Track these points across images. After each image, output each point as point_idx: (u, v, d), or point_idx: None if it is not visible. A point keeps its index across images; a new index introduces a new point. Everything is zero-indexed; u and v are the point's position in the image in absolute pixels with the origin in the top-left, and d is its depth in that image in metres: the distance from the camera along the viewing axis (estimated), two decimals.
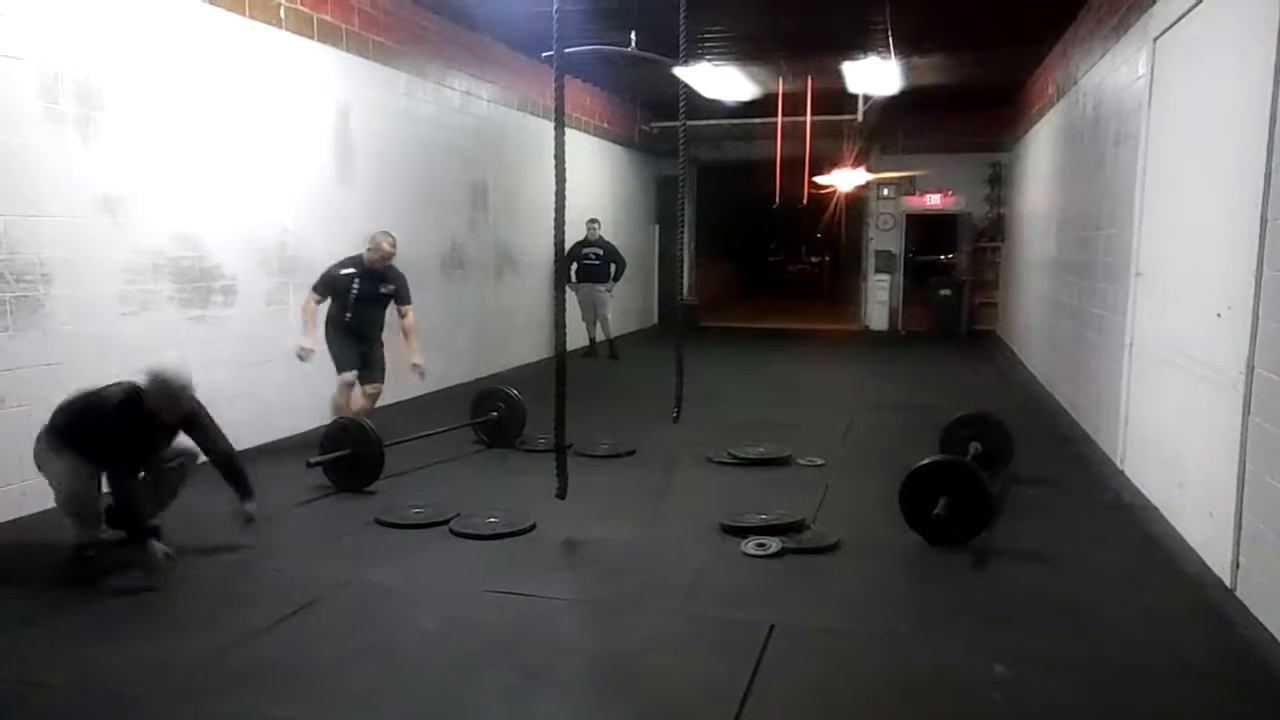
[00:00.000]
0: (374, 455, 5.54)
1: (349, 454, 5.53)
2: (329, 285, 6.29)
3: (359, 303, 6.33)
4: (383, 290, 6.42)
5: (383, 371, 6.60)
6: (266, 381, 6.63)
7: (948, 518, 4.44)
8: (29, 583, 4.11)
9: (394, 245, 6.37)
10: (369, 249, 6.33)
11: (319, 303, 6.29)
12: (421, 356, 6.46)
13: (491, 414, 6.71)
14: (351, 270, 6.31)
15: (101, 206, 5.31)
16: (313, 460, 5.48)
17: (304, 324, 6.24)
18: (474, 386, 9.09)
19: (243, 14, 6.32)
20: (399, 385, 8.15)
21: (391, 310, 6.56)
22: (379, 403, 6.71)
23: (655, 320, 16.02)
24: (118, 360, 5.39)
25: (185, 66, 5.88)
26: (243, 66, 6.36)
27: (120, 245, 5.43)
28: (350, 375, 6.37)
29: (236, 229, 6.37)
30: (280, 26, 6.68)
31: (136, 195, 5.54)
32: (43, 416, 4.89)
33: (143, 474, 4.42)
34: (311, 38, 7.02)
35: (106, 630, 3.60)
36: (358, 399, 6.45)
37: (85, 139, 5.20)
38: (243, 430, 6.38)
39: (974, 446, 5.57)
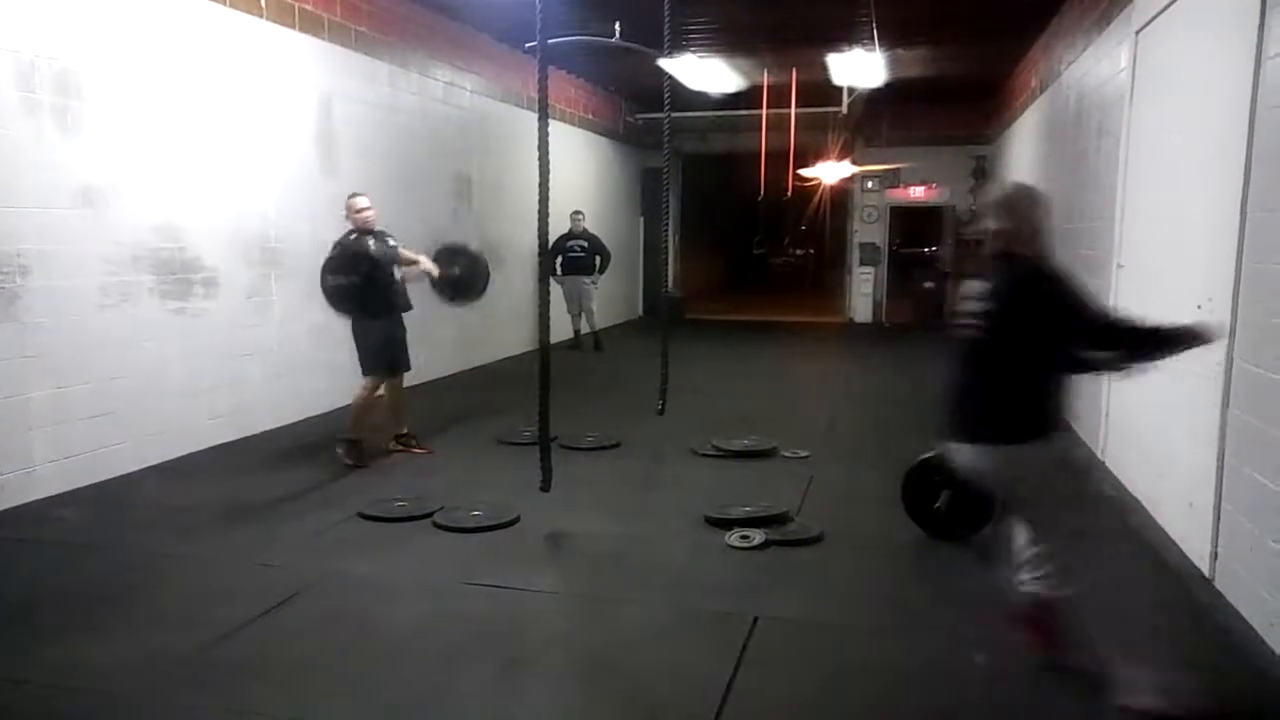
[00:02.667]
0: None
1: None
2: (349, 259, 5.88)
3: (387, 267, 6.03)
4: (390, 243, 6.15)
5: (409, 358, 6.30)
6: (247, 375, 6.58)
7: (949, 512, 4.43)
8: (10, 578, 4.07)
9: (354, 196, 6.06)
10: (357, 214, 5.97)
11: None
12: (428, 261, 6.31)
13: (454, 270, 6.58)
14: (356, 234, 5.96)
15: (80, 197, 5.25)
16: None
17: (411, 259, 6.13)
18: (457, 379, 9.10)
19: (223, 3, 6.25)
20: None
21: None
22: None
23: (640, 312, 16.01)
24: (96, 352, 5.36)
25: (165, 56, 5.81)
26: (224, 56, 6.30)
27: (99, 237, 5.38)
28: (380, 380, 6.08)
29: (218, 220, 6.31)
30: (261, 16, 6.62)
31: (116, 186, 5.48)
32: (19, 409, 4.89)
33: None
34: (293, 27, 6.96)
35: (89, 625, 3.57)
36: (382, 394, 6.17)
37: (63, 129, 5.14)
38: (223, 423, 6.36)
39: None
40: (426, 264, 6.29)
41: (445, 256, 6.58)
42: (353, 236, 5.94)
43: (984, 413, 3.06)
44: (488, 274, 6.63)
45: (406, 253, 6.24)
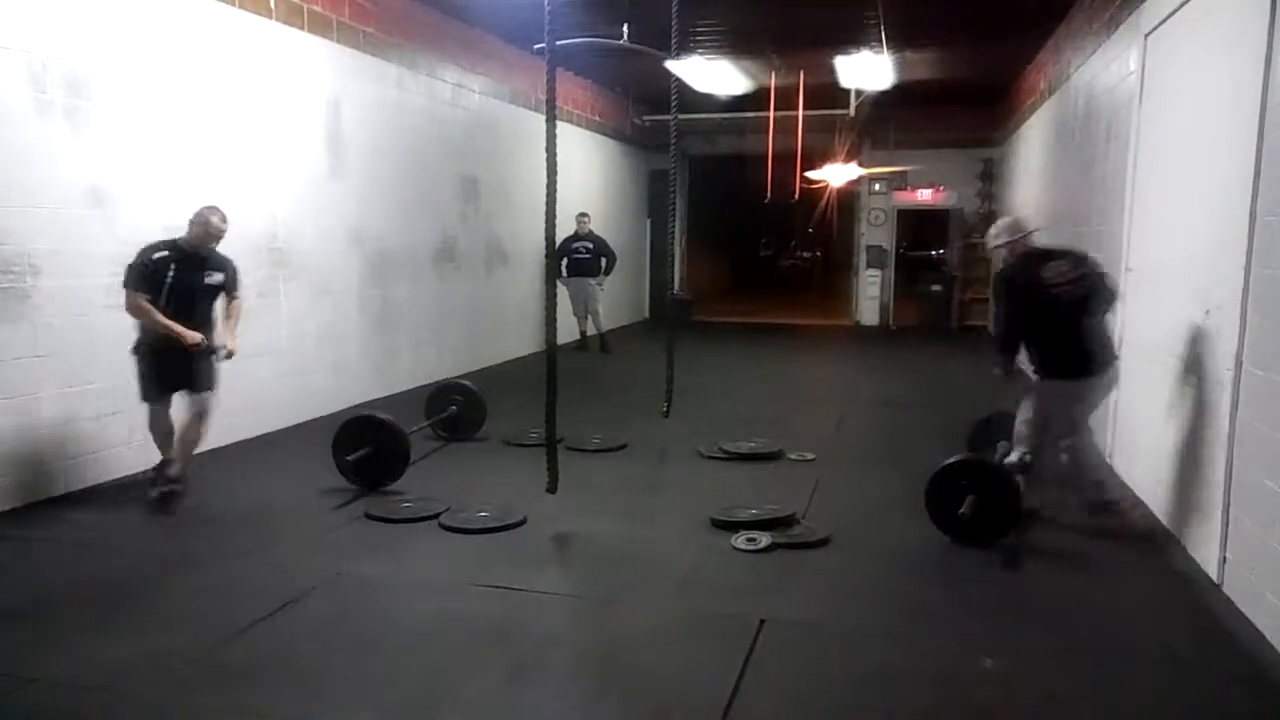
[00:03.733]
0: None
1: None
2: (140, 275, 4.90)
3: (177, 295, 4.95)
4: (209, 281, 5.12)
5: (212, 378, 5.18)
6: (256, 374, 6.59)
7: (974, 518, 4.40)
8: (19, 576, 4.09)
9: (224, 221, 5.10)
10: (192, 224, 5.02)
11: (145, 298, 4.89)
12: (234, 342, 5.27)
13: (450, 408, 6.65)
14: (165, 254, 4.95)
15: (90, 197, 5.28)
16: None
17: (155, 320, 4.88)
18: (464, 380, 9.09)
19: (233, 4, 6.28)
20: (395, 379, 8.15)
21: None
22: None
23: (646, 314, 16.02)
24: (106, 352, 5.37)
25: (175, 57, 5.84)
26: (233, 57, 6.32)
27: (108, 236, 5.39)
28: (159, 407, 5.11)
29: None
30: (271, 17, 6.64)
31: (125, 186, 5.50)
32: (29, 409, 4.90)
33: None
34: (302, 28, 6.98)
35: (97, 624, 3.59)
36: (181, 422, 5.17)
37: (74, 129, 5.16)
38: (233, 422, 6.37)
39: (1002, 446, 5.33)
40: (229, 345, 5.24)
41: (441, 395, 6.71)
42: (158, 254, 4.94)
43: (1103, 350, 4.72)
44: (484, 412, 6.75)
45: (234, 314, 5.30)
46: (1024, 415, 4.86)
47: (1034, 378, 4.87)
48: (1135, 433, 5.48)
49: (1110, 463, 5.94)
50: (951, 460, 4.60)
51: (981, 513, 4.40)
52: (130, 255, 5.42)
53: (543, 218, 4.33)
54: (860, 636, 3.57)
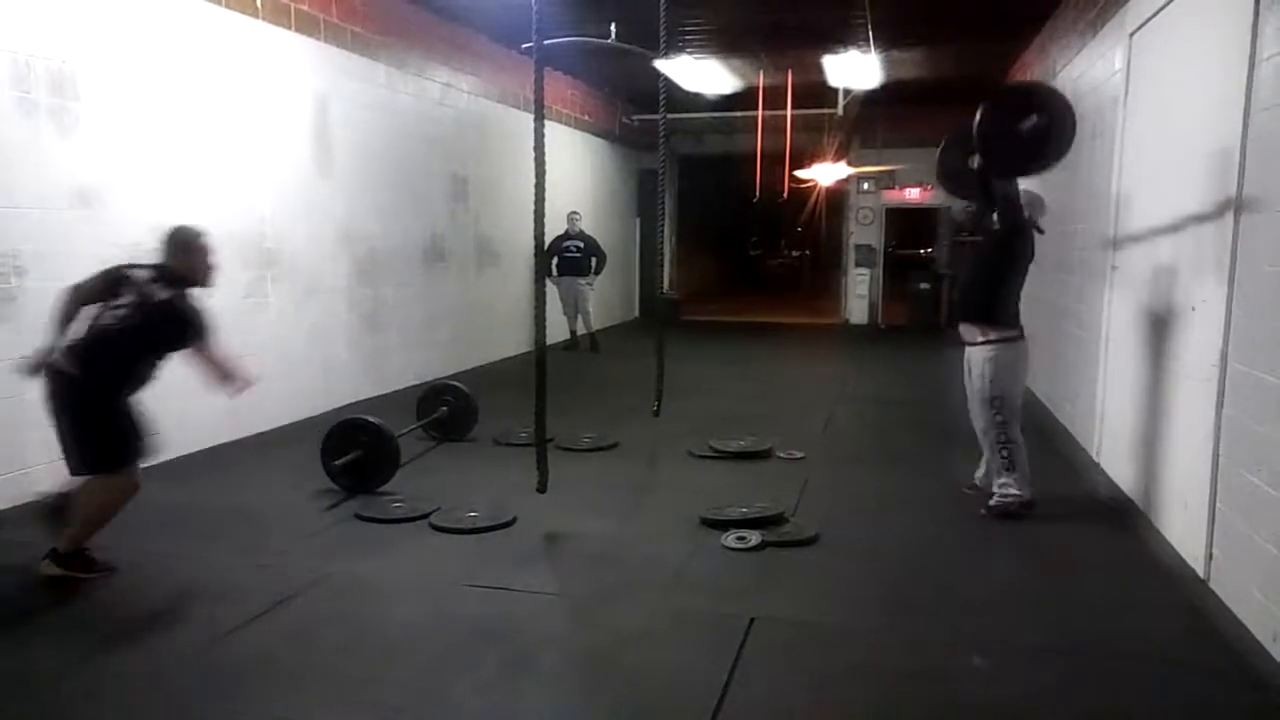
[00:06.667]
0: None
1: None
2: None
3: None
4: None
5: None
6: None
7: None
8: (6, 578, 4.06)
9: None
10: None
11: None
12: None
13: (442, 409, 6.62)
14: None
15: (76, 198, 5.25)
16: None
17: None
18: (454, 380, 9.08)
19: (219, 3, 6.25)
20: (385, 378, 8.13)
21: None
22: None
23: (636, 314, 16.02)
24: None
25: (161, 57, 5.81)
26: (219, 57, 6.29)
27: (96, 237, 5.36)
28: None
29: (214, 221, 6.23)
30: (257, 16, 6.62)
31: (112, 187, 5.47)
32: (14, 410, 4.86)
33: None
34: (289, 28, 6.96)
35: (86, 625, 3.58)
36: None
37: (60, 130, 5.13)
38: (222, 423, 6.35)
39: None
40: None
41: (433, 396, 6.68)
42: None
43: None
44: (476, 412, 6.71)
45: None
46: (997, 403, 5.02)
47: (993, 345, 5.14)
48: (1122, 429, 5.52)
49: (1098, 460, 5.98)
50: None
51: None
52: (117, 256, 5.35)
53: (532, 217, 4.33)
54: (850, 634, 3.59)
